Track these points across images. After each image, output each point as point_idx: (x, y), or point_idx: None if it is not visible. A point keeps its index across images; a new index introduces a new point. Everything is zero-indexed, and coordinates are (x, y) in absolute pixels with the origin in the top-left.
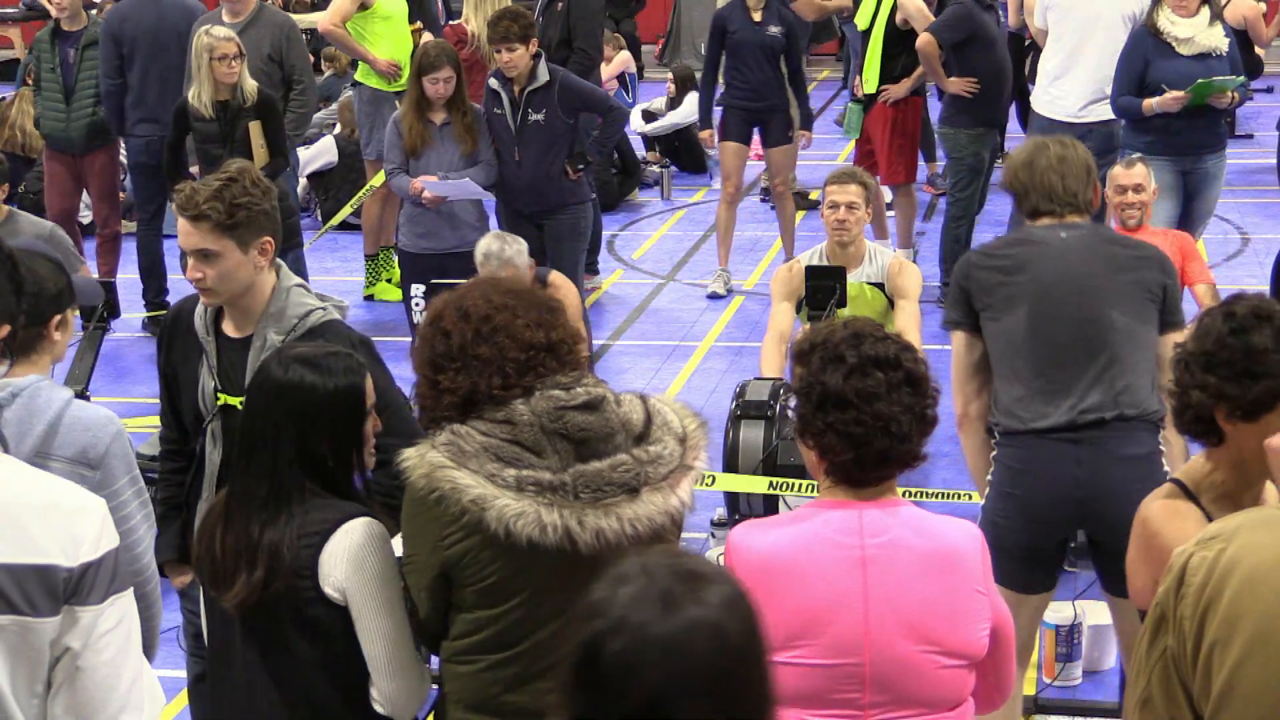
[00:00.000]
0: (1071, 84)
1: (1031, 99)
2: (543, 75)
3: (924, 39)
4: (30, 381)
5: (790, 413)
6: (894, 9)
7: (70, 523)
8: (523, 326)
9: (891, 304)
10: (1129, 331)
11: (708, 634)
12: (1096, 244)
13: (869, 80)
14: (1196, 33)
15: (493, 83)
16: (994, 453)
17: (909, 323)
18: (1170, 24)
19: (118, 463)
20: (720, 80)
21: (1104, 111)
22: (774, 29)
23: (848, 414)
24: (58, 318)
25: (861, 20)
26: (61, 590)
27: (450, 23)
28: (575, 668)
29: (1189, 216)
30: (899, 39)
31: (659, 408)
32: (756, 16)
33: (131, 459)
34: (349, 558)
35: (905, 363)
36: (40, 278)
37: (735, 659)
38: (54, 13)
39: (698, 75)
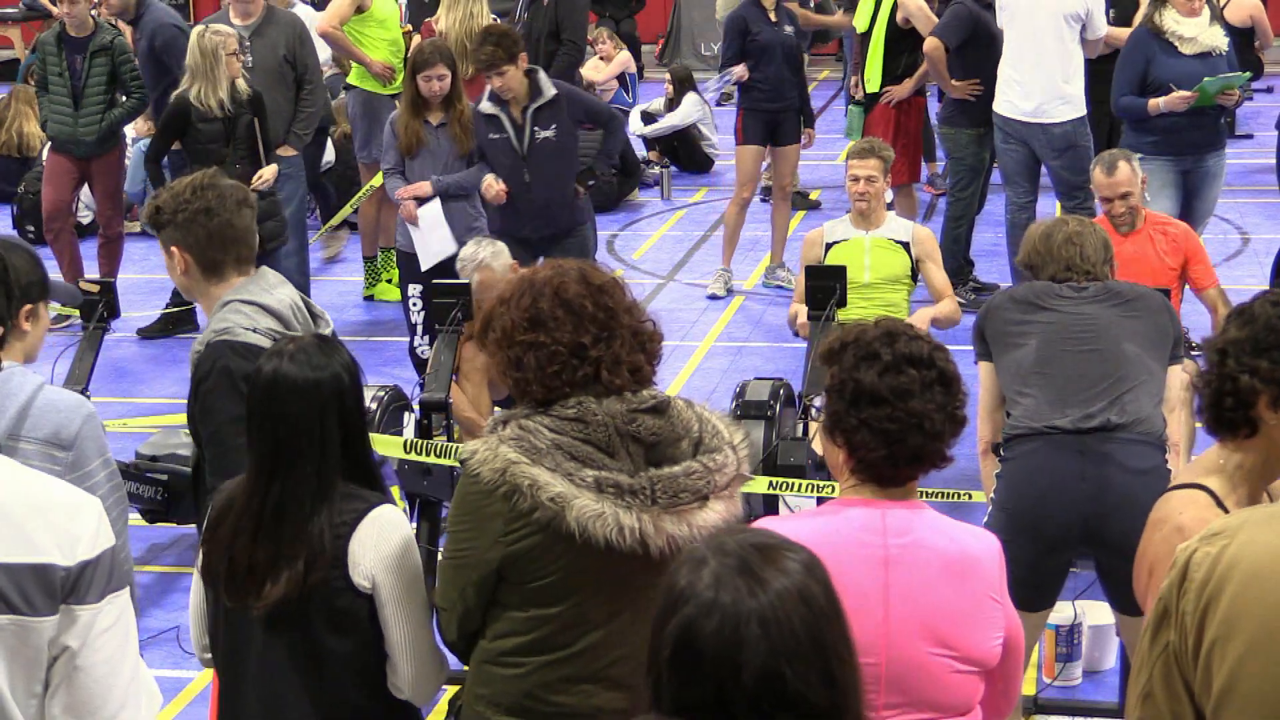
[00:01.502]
0: (1025, 85)
1: (994, 102)
2: (548, 90)
3: (931, 43)
4: (3, 368)
5: (814, 410)
6: (894, 8)
7: (67, 521)
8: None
9: (913, 266)
10: (1140, 361)
11: (797, 600)
12: (1110, 294)
13: (871, 80)
14: (1200, 32)
15: (486, 106)
16: (998, 470)
17: (946, 284)
18: (1175, 23)
19: (90, 444)
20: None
21: (1060, 112)
22: (789, 28)
23: (882, 410)
24: (27, 308)
25: (860, 21)
26: (59, 589)
27: (426, 20)
28: (672, 659)
29: (1189, 216)
30: (901, 38)
31: (705, 414)
32: (773, 17)
33: (104, 443)
34: (377, 544)
35: (939, 362)
36: (14, 267)
37: (827, 619)
38: (59, 15)
39: (695, 75)
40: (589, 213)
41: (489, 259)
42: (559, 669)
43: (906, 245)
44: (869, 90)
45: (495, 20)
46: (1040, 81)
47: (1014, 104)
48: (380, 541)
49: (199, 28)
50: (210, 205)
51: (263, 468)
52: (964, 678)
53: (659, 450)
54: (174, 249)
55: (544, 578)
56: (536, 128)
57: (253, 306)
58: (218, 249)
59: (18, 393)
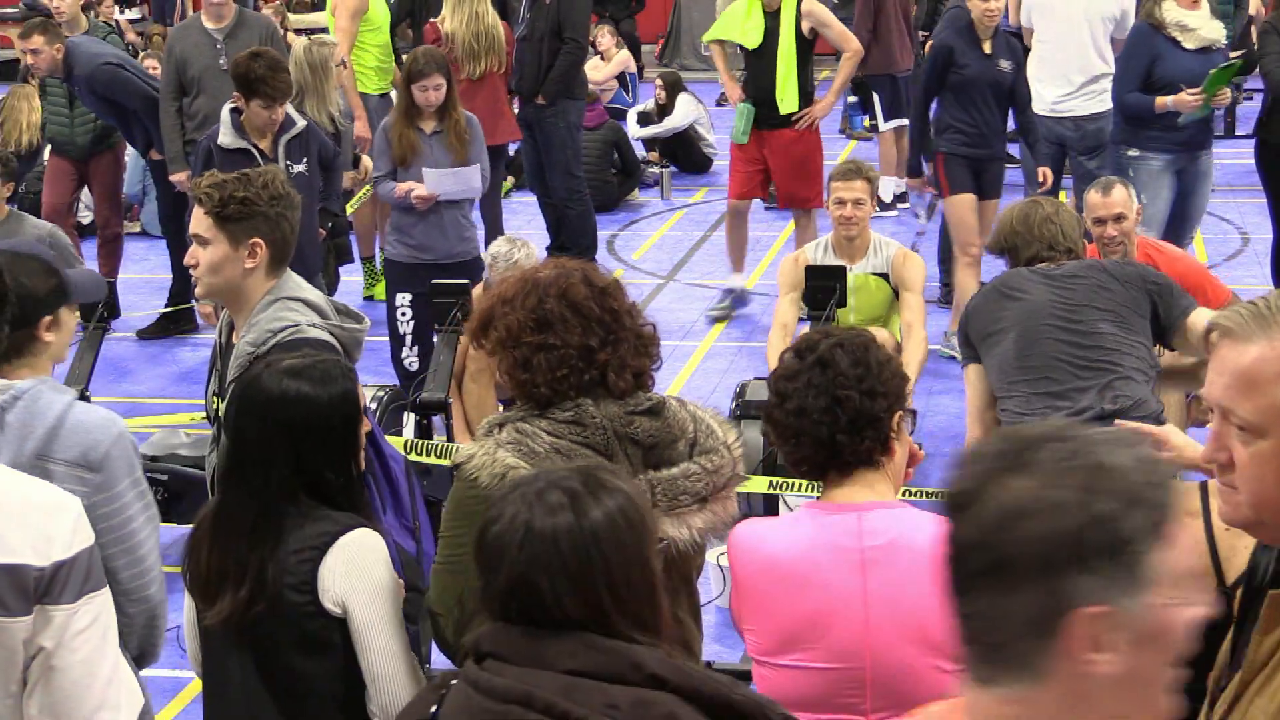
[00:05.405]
0: (1056, 80)
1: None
2: (299, 120)
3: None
4: (31, 384)
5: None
6: (798, 19)
7: (43, 521)
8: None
9: (896, 295)
10: (1119, 342)
11: (575, 535)
12: (1082, 271)
13: (786, 100)
14: (1201, 25)
15: (230, 140)
16: None
17: (915, 315)
18: (1178, 16)
19: (119, 465)
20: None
21: (1087, 106)
22: (1005, 63)
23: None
24: (48, 318)
25: (750, 38)
26: (33, 589)
27: (430, 20)
28: (473, 546)
29: (1183, 216)
30: (807, 50)
31: (700, 414)
32: (987, 48)
33: (134, 460)
34: (347, 571)
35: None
36: (28, 279)
37: (602, 554)
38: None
39: (683, 77)
40: (321, 260)
41: (522, 259)
42: None
43: (886, 277)
44: (784, 111)
45: (498, 20)
46: (1080, 75)
47: (1042, 99)
48: (350, 569)
49: (303, 41)
50: (294, 204)
51: (218, 478)
52: (955, 677)
53: (656, 452)
54: (259, 240)
55: None
56: (289, 162)
57: (300, 303)
58: (289, 247)
59: (46, 412)
